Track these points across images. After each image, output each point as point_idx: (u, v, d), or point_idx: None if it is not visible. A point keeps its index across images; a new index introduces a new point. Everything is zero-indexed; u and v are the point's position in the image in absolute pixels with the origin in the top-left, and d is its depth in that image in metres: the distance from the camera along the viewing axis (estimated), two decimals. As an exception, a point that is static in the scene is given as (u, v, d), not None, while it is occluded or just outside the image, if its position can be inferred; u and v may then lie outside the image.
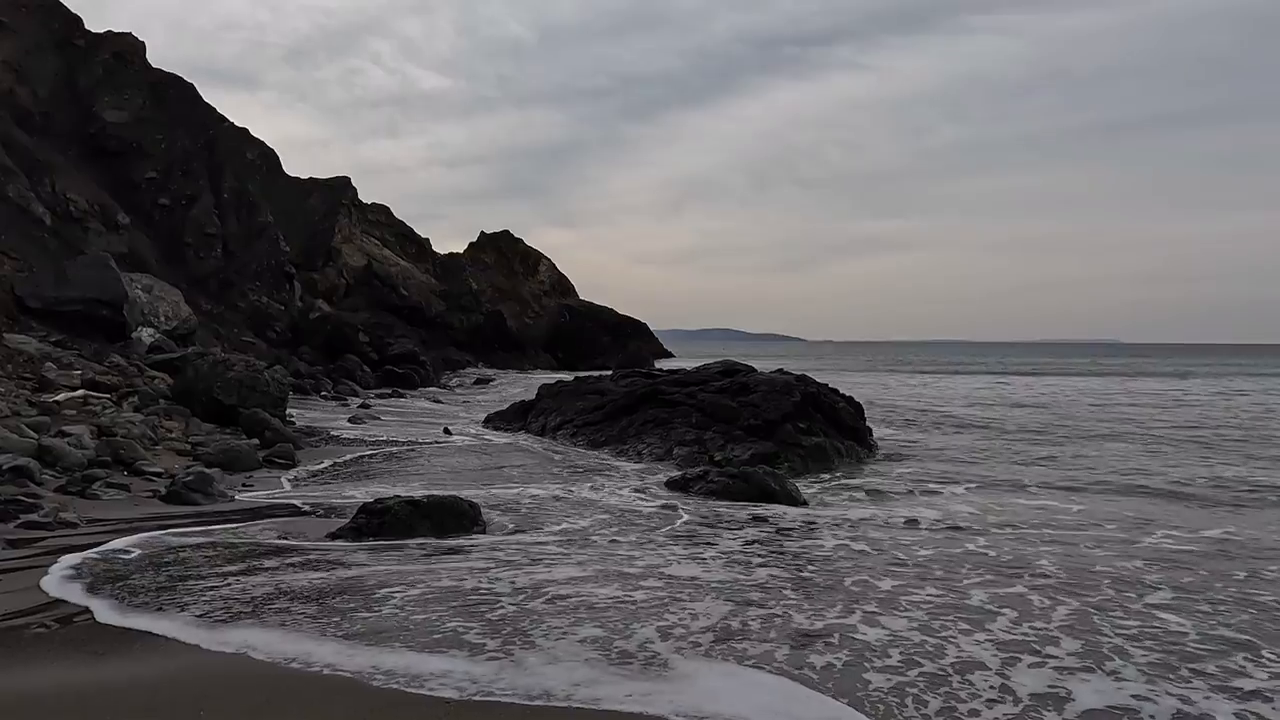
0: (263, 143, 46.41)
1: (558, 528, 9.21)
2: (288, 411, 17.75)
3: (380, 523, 8.51)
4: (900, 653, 5.56)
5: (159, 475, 11.17)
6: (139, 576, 6.92)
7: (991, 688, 5.06)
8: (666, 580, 7.16)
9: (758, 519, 9.80)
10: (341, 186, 52.79)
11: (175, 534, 8.42)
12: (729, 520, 9.71)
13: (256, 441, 14.46)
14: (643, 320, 66.89)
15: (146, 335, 26.78)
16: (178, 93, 42.30)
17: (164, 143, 40.06)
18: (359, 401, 26.32)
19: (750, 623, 6.09)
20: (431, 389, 34.92)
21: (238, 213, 41.02)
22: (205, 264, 38.82)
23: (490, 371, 47.71)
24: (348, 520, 8.76)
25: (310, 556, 7.71)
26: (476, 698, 4.79)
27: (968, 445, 17.45)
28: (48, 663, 5.19)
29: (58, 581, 6.70)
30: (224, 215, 40.42)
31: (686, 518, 9.83)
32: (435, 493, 9.72)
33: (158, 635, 5.65)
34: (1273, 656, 5.61)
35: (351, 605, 6.32)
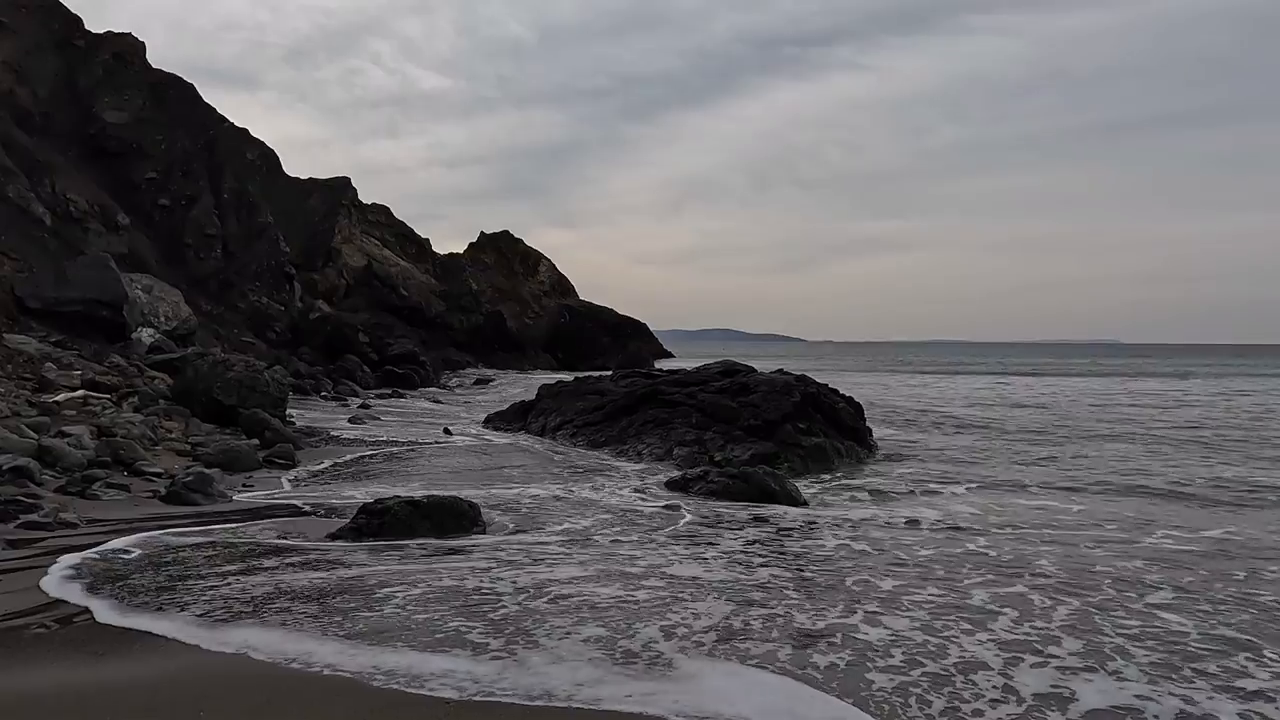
0: (263, 143, 46.47)
1: (559, 528, 9.20)
2: (288, 412, 17.74)
3: (380, 523, 8.50)
4: (903, 653, 5.56)
5: (159, 475, 11.16)
6: (139, 576, 6.91)
7: (995, 688, 5.05)
8: (668, 580, 7.15)
9: (758, 519, 9.79)
10: (341, 187, 52.79)
11: (175, 534, 8.41)
12: (730, 520, 9.70)
13: (256, 442, 14.44)
14: (643, 320, 67.03)
15: (146, 336, 26.78)
16: (178, 93, 42.32)
17: (164, 143, 40.07)
18: (359, 402, 26.32)
19: (752, 622, 6.09)
20: (431, 389, 34.92)
21: (238, 213, 41.02)
22: (205, 264, 38.83)
23: (490, 372, 47.67)
24: (348, 520, 8.74)
25: (310, 556, 7.69)
26: (477, 698, 4.78)
27: (968, 445, 17.44)
28: (48, 663, 5.18)
29: (58, 582, 6.69)
30: (224, 216, 40.42)
31: (688, 518, 9.82)
32: (436, 493, 9.70)
33: (157, 635, 5.63)
34: (1274, 657, 5.60)
35: (352, 605, 6.30)
